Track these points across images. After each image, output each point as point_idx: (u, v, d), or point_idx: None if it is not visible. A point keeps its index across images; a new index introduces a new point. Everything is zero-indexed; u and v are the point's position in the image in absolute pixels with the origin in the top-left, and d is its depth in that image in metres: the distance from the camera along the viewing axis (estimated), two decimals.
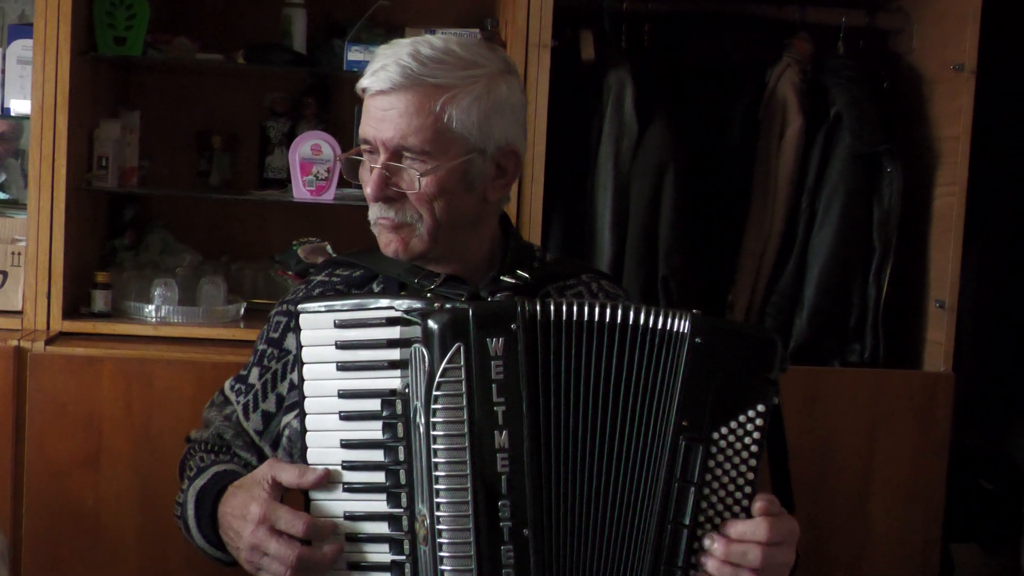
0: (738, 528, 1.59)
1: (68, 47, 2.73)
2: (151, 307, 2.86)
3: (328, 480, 1.66)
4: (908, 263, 3.05)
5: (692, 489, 1.59)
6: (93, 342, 2.74)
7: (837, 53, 3.11)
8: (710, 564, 1.59)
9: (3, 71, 2.91)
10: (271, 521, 1.66)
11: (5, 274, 2.81)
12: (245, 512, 1.68)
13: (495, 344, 1.59)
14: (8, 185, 4.20)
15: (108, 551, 2.69)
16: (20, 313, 2.78)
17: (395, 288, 1.88)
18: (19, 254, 2.80)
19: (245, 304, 2.99)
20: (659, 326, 1.62)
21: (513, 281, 1.85)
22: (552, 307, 1.62)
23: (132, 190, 3.08)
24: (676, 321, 1.61)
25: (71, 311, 2.82)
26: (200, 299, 2.92)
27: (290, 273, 2.96)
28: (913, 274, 3.06)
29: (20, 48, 2.90)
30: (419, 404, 1.60)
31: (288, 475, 1.67)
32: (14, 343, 2.67)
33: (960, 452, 3.06)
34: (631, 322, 1.62)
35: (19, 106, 2.93)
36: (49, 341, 2.70)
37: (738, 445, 1.60)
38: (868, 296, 3.03)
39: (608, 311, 1.62)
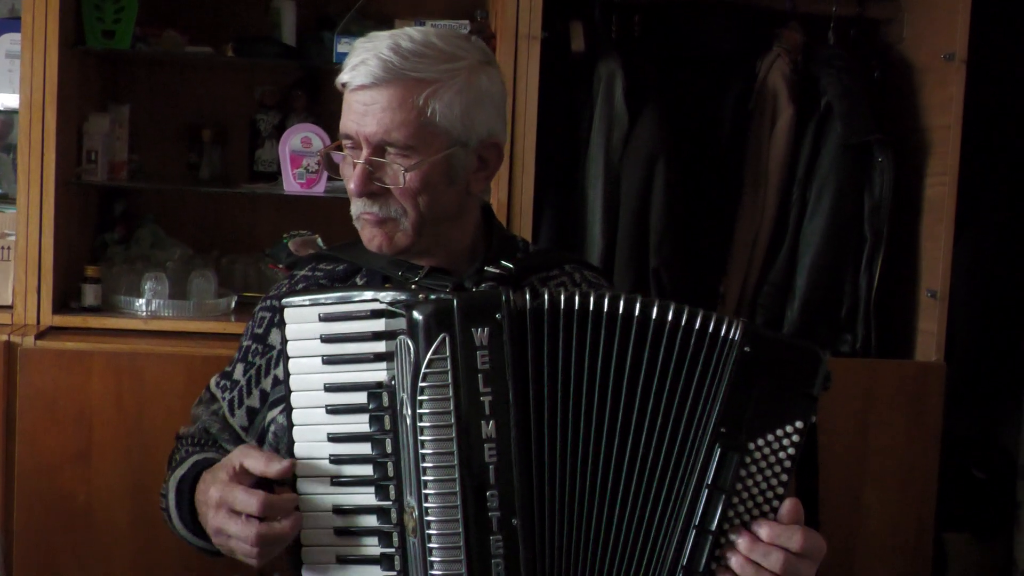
0: (774, 530, 1.58)
1: (56, 41, 2.73)
2: (141, 301, 2.87)
3: (305, 468, 1.67)
4: (899, 253, 3.07)
5: (722, 497, 1.58)
6: (83, 336, 2.74)
7: (828, 43, 3.13)
8: (734, 561, 1.58)
9: None
10: (228, 503, 1.66)
11: None
12: (206, 497, 1.70)
13: (480, 334, 1.59)
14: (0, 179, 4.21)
15: (100, 545, 2.70)
16: (10, 308, 2.79)
17: (379, 281, 1.89)
18: (9, 248, 2.81)
19: (236, 297, 2.99)
20: (703, 328, 1.61)
21: (497, 271, 1.85)
22: (546, 296, 1.61)
23: (122, 184, 3.09)
24: (725, 327, 1.60)
25: (61, 305, 2.83)
26: (191, 293, 2.93)
27: (281, 266, 2.96)
28: (904, 264, 3.08)
29: (8, 42, 2.90)
30: (405, 396, 1.60)
31: (254, 462, 1.67)
32: (4, 338, 2.68)
33: (952, 441, 3.07)
34: (654, 318, 1.61)
35: (8, 100, 2.93)
36: (39, 336, 2.71)
37: (772, 459, 1.59)
38: (860, 286, 3.05)
39: (621, 303, 1.61)
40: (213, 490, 1.68)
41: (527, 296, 1.61)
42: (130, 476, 2.69)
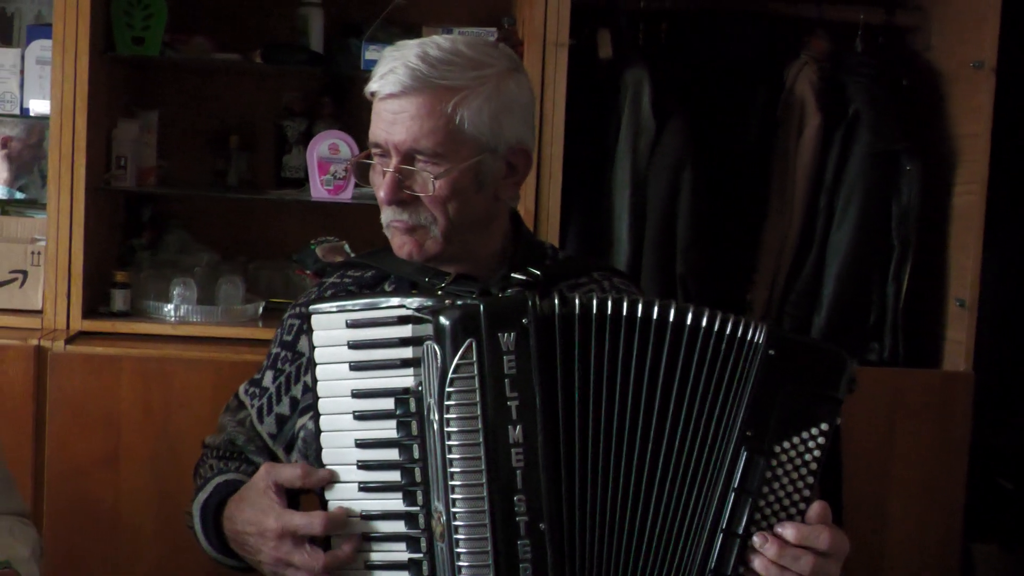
0: (800, 532, 1.58)
1: (87, 47, 2.75)
2: (170, 306, 2.88)
3: (335, 476, 1.67)
4: (927, 261, 3.05)
5: (749, 500, 1.58)
6: (112, 341, 2.76)
7: (855, 51, 3.12)
8: (757, 563, 1.58)
9: (22, 72, 2.94)
10: (290, 532, 1.66)
11: (25, 273, 2.84)
12: (262, 529, 1.69)
13: (507, 339, 1.59)
14: (27, 185, 4.24)
15: (127, 549, 2.72)
16: (40, 312, 2.81)
17: (406, 288, 1.89)
18: (39, 253, 2.83)
19: (263, 303, 3.00)
20: (729, 332, 1.61)
21: (523, 278, 1.85)
22: (577, 301, 1.61)
23: (150, 190, 3.10)
24: (750, 331, 1.60)
25: (90, 310, 2.85)
26: (218, 298, 2.94)
27: (308, 272, 2.98)
28: (933, 272, 3.06)
29: (39, 48, 2.93)
30: (432, 401, 1.60)
31: (288, 475, 1.69)
32: (34, 342, 2.70)
33: (980, 451, 3.05)
34: (689, 323, 1.61)
35: (38, 106, 2.95)
36: (69, 340, 2.73)
37: (798, 461, 1.59)
38: (887, 295, 3.04)
39: (655, 308, 1.61)
40: (271, 521, 1.68)
41: (554, 301, 1.61)
42: (157, 480, 2.70)
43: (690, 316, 1.61)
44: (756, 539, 1.58)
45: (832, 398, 1.61)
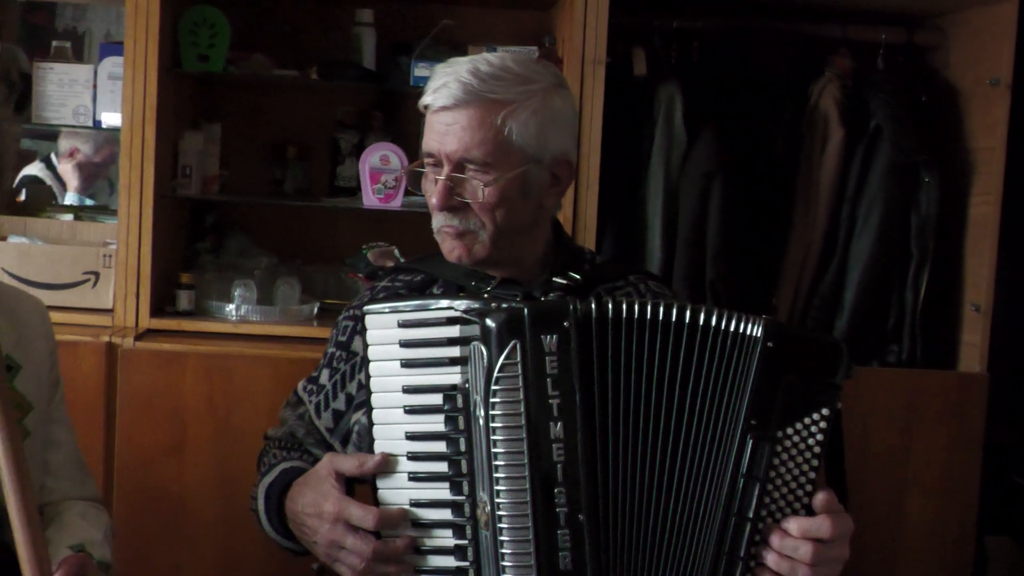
0: (802, 525, 1.59)
1: (156, 64, 2.76)
2: (231, 306, 2.89)
3: (388, 464, 1.68)
4: (944, 268, 3.03)
5: (757, 484, 1.60)
6: (178, 339, 2.77)
7: (877, 68, 3.10)
8: (769, 558, 1.60)
9: (95, 86, 2.95)
10: (344, 518, 1.68)
11: (97, 275, 2.84)
12: (320, 510, 1.70)
13: (549, 341, 1.60)
14: (96, 192, 4.27)
15: (190, 534, 2.73)
16: (111, 311, 2.82)
17: (454, 291, 1.89)
18: (110, 256, 2.83)
19: (318, 304, 3.00)
20: (732, 329, 1.62)
21: (564, 282, 1.86)
22: (610, 305, 1.62)
23: (213, 197, 3.11)
24: (749, 325, 1.61)
25: (157, 309, 2.86)
26: (276, 299, 2.95)
27: (360, 275, 2.98)
28: (949, 279, 3.04)
29: (111, 65, 2.94)
30: (478, 398, 1.61)
31: (348, 464, 1.70)
32: (105, 339, 2.71)
33: (994, 449, 3.03)
34: (701, 323, 1.62)
35: (109, 119, 2.96)
36: (137, 337, 2.74)
37: (802, 445, 1.60)
38: (906, 300, 3.01)
39: (674, 311, 1.62)
40: (328, 504, 1.69)
41: (592, 305, 1.62)
42: (219, 470, 2.71)
43: (699, 316, 1.62)
44: (773, 539, 1.59)
45: (831, 384, 1.62)
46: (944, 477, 2.92)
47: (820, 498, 1.60)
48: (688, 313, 1.62)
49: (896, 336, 3.03)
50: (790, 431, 1.60)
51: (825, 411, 1.61)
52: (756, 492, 1.60)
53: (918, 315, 3.00)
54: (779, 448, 1.60)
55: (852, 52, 3.10)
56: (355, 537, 1.67)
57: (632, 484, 1.61)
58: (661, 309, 1.62)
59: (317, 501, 1.72)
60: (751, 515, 1.60)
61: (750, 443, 1.60)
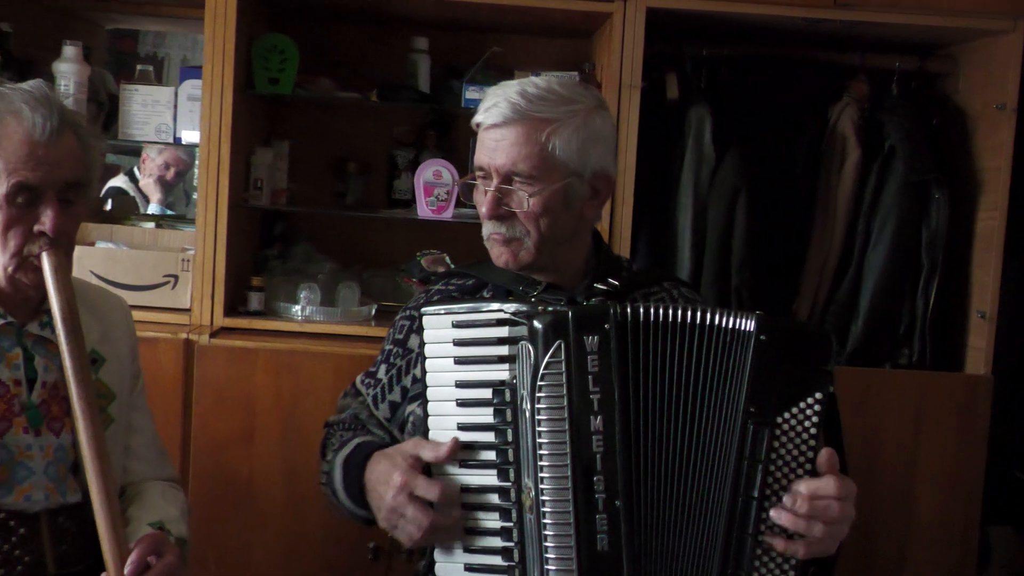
0: (810, 484, 1.59)
1: (231, 86, 2.78)
2: (297, 307, 2.90)
3: (457, 449, 1.68)
4: (953, 278, 3.00)
5: (759, 467, 1.60)
6: (249, 336, 2.78)
7: (891, 93, 3.07)
8: (784, 519, 1.59)
9: (175, 106, 2.97)
10: (410, 487, 1.67)
11: (176, 277, 2.86)
12: (388, 479, 1.70)
13: (591, 341, 1.60)
14: (173, 203, 4.31)
15: (258, 514, 2.74)
16: (188, 311, 2.83)
17: (503, 295, 1.90)
18: (188, 261, 2.85)
19: (376, 306, 3.01)
20: (728, 325, 1.62)
21: (604, 288, 1.85)
22: (640, 309, 1.62)
23: (281, 208, 3.12)
24: (743, 321, 1.62)
25: (230, 309, 2.87)
26: (338, 301, 2.95)
27: (414, 280, 2.98)
28: (957, 287, 3.01)
29: (190, 87, 2.96)
30: (525, 393, 1.61)
31: (428, 452, 1.68)
32: (183, 336, 2.73)
33: (998, 446, 2.99)
34: (706, 322, 1.62)
35: (188, 136, 2.98)
36: (212, 335, 2.76)
37: (799, 428, 1.61)
38: (917, 307, 2.99)
39: (684, 313, 1.63)
40: (397, 474, 1.68)
41: (628, 309, 1.62)
42: (285, 456, 2.72)
43: (700, 315, 1.63)
44: (786, 499, 1.59)
45: (823, 371, 1.62)
46: (951, 471, 2.89)
47: (824, 458, 1.61)
48: (688, 313, 1.63)
49: (907, 340, 3.00)
50: (787, 416, 1.60)
51: (819, 395, 1.61)
52: (759, 473, 1.60)
53: (928, 321, 2.98)
54: (778, 432, 1.60)
55: (869, 78, 3.07)
56: (415, 507, 1.67)
57: (657, 472, 1.62)
58: (675, 311, 1.63)
59: (389, 471, 1.71)
60: (756, 495, 1.60)
61: (751, 429, 1.60)
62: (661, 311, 1.63)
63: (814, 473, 1.61)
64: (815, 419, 1.60)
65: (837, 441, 1.68)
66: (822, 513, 1.58)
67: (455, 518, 1.67)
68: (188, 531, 1.94)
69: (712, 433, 1.62)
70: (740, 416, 1.60)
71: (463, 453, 1.68)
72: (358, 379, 2.06)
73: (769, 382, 1.60)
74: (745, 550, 1.61)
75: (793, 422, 1.61)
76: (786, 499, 1.60)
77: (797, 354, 1.61)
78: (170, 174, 4.29)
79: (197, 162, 3.09)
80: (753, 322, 1.61)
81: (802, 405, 1.60)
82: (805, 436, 1.61)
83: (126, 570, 1.68)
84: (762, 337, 1.60)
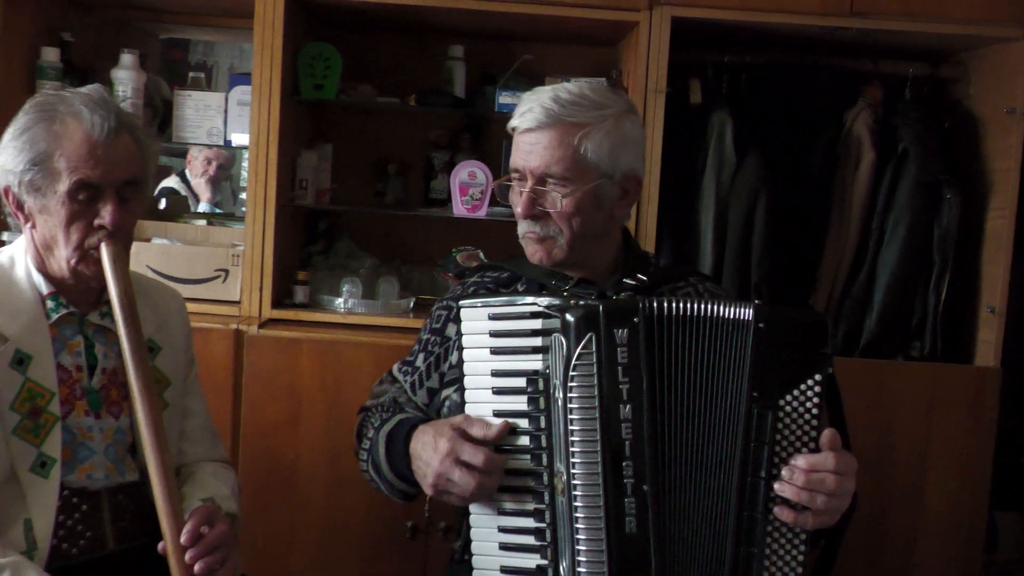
0: (809, 459, 1.59)
1: (279, 92, 2.78)
2: (340, 300, 2.91)
3: (506, 433, 1.67)
4: (963, 274, 2.97)
5: (766, 448, 1.60)
6: (295, 327, 2.79)
7: (905, 98, 3.04)
8: (788, 490, 1.59)
9: (226, 111, 2.99)
10: (456, 454, 1.66)
11: (227, 272, 2.87)
12: (436, 446, 1.69)
13: (621, 334, 1.60)
14: (221, 202, 4.33)
15: (303, 496, 2.75)
16: (238, 303, 2.85)
17: (536, 289, 1.90)
18: (237, 256, 2.86)
19: (414, 299, 3.01)
20: (728, 316, 1.62)
21: (633, 283, 1.85)
22: (666, 304, 1.62)
23: (325, 207, 3.13)
24: (741, 310, 1.62)
25: (277, 302, 2.87)
26: (378, 294, 2.96)
27: (450, 275, 2.98)
28: (967, 284, 2.98)
29: (239, 93, 2.98)
30: (558, 382, 1.61)
31: (477, 430, 1.68)
32: (233, 327, 2.75)
33: (1006, 435, 2.97)
34: (710, 314, 1.63)
35: (238, 139, 3.00)
36: (261, 325, 2.77)
37: (801, 409, 1.61)
38: (928, 302, 2.96)
39: (696, 306, 1.63)
40: (443, 441, 1.67)
41: (653, 304, 1.62)
42: (329, 440, 2.73)
43: (703, 307, 1.63)
44: (784, 472, 1.59)
45: (821, 354, 1.62)
46: (961, 459, 2.86)
47: (826, 436, 1.60)
48: (697, 306, 1.63)
49: (919, 334, 2.98)
50: (788, 398, 1.61)
51: (818, 377, 1.61)
52: (765, 454, 1.60)
53: (939, 315, 2.95)
54: (781, 414, 1.60)
55: (883, 84, 3.05)
56: (462, 471, 1.66)
57: (678, 457, 1.62)
58: (692, 305, 1.63)
59: (436, 440, 1.70)
60: (764, 475, 1.61)
61: (755, 413, 1.60)
62: (682, 305, 1.63)
63: (817, 451, 1.61)
64: (816, 400, 1.61)
65: (839, 419, 1.69)
66: (819, 485, 1.58)
67: (498, 480, 1.66)
68: (239, 508, 1.96)
69: (722, 419, 1.62)
70: (745, 401, 1.61)
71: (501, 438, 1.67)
72: (395, 367, 2.06)
73: (769, 367, 1.61)
74: (756, 527, 1.61)
75: (795, 404, 1.61)
76: (784, 472, 1.60)
77: (795, 339, 1.62)
78: (212, 168, 4.31)
79: (245, 162, 3.09)
80: (751, 311, 1.61)
81: (803, 387, 1.61)
82: (807, 416, 1.61)
83: (182, 539, 1.70)
84: (760, 325, 1.61)
